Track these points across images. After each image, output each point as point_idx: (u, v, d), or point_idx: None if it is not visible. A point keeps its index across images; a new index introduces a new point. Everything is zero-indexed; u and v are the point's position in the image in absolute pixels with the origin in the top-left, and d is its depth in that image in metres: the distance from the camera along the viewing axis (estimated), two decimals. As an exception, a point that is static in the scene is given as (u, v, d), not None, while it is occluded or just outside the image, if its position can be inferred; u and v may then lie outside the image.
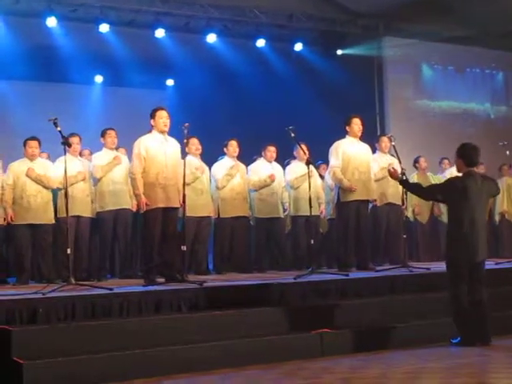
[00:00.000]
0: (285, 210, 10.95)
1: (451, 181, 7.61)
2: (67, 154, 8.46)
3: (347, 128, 9.91)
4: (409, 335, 7.54)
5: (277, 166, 10.85)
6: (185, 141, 8.33)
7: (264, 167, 10.71)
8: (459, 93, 15.07)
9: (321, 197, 10.97)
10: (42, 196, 9.17)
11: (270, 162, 10.76)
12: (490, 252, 11.58)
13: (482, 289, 7.35)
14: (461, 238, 7.26)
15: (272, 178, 10.48)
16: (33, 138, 9.31)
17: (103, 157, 9.70)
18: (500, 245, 12.47)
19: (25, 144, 9.28)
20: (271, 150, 10.75)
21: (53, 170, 9.33)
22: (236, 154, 10.57)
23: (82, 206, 9.43)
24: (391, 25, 14.14)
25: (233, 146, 10.54)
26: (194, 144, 10.16)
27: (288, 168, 11.03)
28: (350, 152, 9.79)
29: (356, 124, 9.90)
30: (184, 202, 8.32)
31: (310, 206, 9.20)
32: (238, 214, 10.37)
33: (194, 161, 10.03)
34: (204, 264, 10.17)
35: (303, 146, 10.17)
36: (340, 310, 7.67)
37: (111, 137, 9.75)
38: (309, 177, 9.16)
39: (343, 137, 9.97)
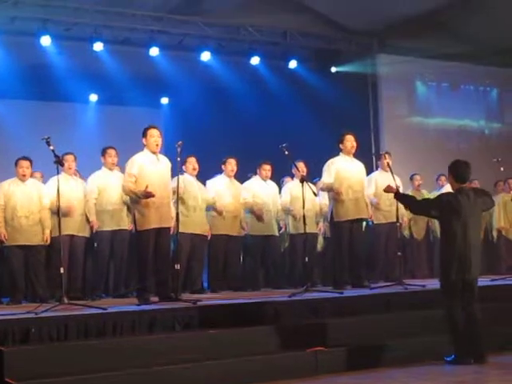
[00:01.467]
0: (280, 229, 10.92)
1: (442, 196, 7.61)
2: (62, 172, 8.49)
3: (340, 145, 9.92)
4: (404, 353, 7.50)
5: (272, 184, 10.84)
6: (178, 159, 8.30)
7: (259, 185, 10.70)
8: (454, 109, 15.09)
9: (318, 215, 10.96)
10: (33, 217, 9.12)
11: (265, 180, 10.75)
12: (488, 268, 11.71)
13: (475, 306, 7.33)
14: (453, 254, 7.25)
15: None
16: (24, 158, 9.26)
17: (101, 176, 9.69)
18: (498, 261, 12.45)
19: (16, 164, 9.23)
20: (266, 169, 10.74)
21: (46, 190, 9.28)
22: (233, 173, 10.54)
23: (76, 224, 9.40)
24: (385, 42, 14.18)
25: (231, 165, 10.51)
26: (191, 163, 10.16)
27: (284, 188, 11.02)
28: (344, 170, 9.80)
29: (349, 141, 9.91)
30: (177, 219, 8.31)
31: (305, 224, 9.18)
32: (229, 232, 10.33)
33: (189, 178, 10.01)
34: (198, 283, 10.14)
35: (299, 164, 10.20)
36: (334, 328, 7.64)
37: (111, 156, 9.73)
38: (303, 194, 9.14)
39: (337, 154, 9.97)
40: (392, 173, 9.82)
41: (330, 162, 9.89)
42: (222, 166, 10.57)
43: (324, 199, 10.59)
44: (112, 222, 9.61)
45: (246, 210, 10.59)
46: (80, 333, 6.75)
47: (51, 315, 6.94)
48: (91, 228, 9.53)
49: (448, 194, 7.59)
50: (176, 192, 8.48)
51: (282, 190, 11.03)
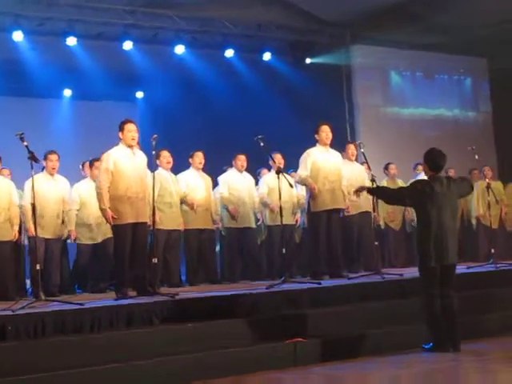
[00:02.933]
0: (258, 220, 10.93)
1: (416, 184, 7.65)
2: (44, 171, 8.47)
3: (316, 136, 9.93)
4: (382, 342, 7.54)
5: (247, 176, 10.83)
6: (153, 153, 8.29)
7: (235, 177, 10.69)
8: (428, 99, 15.16)
9: (296, 206, 10.97)
10: (4, 214, 9.02)
11: (241, 171, 10.74)
12: (467, 256, 11.79)
13: (453, 294, 7.38)
14: (429, 241, 7.29)
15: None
16: None
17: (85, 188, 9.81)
18: (476, 249, 12.53)
19: None
20: (241, 159, 10.73)
21: (15, 188, 9.20)
22: (201, 166, 10.51)
23: (52, 228, 9.41)
24: (359, 33, 14.21)
25: (198, 157, 10.48)
26: (165, 157, 10.10)
27: (261, 180, 11.02)
28: (320, 161, 9.80)
29: (324, 131, 9.91)
30: (154, 214, 8.30)
31: (281, 215, 9.17)
32: (201, 226, 10.31)
33: (165, 174, 9.98)
34: (176, 276, 10.11)
35: (276, 156, 10.21)
36: (313, 319, 7.65)
37: (97, 168, 9.69)
38: (279, 186, 9.14)
39: (313, 145, 9.98)
40: (367, 161, 9.87)
41: (306, 153, 9.89)
42: (190, 160, 10.52)
43: (302, 190, 10.60)
44: (92, 235, 9.72)
45: (222, 205, 10.58)
46: (57, 329, 6.70)
47: (28, 312, 6.89)
48: (69, 236, 9.57)
49: (421, 181, 7.66)
50: (152, 187, 8.44)
51: (259, 182, 11.03)
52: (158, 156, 9.89)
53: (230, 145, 13.51)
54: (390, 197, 7.82)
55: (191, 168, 10.50)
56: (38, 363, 6.24)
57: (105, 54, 13.04)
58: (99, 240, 9.73)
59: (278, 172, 9.17)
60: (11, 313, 6.82)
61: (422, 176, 11.26)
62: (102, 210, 8.22)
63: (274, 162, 9.93)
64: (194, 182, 10.37)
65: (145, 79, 14.73)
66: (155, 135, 8.23)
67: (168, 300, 7.56)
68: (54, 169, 9.52)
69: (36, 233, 8.09)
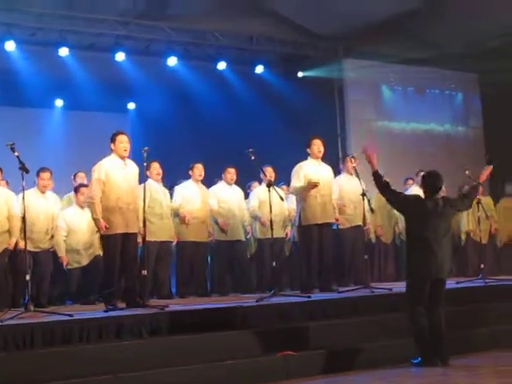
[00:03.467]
0: (247, 233, 10.91)
1: (411, 196, 7.79)
2: (35, 187, 8.70)
3: (308, 150, 9.95)
4: (372, 356, 7.54)
5: (237, 189, 10.83)
6: (145, 164, 8.29)
7: (224, 190, 10.68)
8: (419, 114, 15.18)
9: (286, 219, 10.97)
10: (1, 226, 8.95)
11: (230, 184, 10.74)
12: (456, 271, 11.81)
13: (441, 309, 7.38)
14: (417, 255, 7.32)
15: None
16: None
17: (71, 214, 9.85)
18: (465, 264, 12.54)
19: None
20: (231, 172, 10.73)
21: (14, 199, 9.12)
22: (201, 178, 10.52)
23: (40, 243, 9.42)
24: (351, 47, 14.24)
25: (198, 169, 10.49)
26: (155, 168, 10.08)
27: (252, 193, 11.01)
28: (312, 174, 9.80)
29: (316, 145, 9.93)
30: (144, 225, 8.29)
31: (272, 228, 9.17)
32: (196, 239, 10.30)
33: (155, 185, 9.97)
34: (166, 288, 10.09)
35: (267, 169, 10.23)
36: (303, 332, 7.66)
37: (83, 194, 9.71)
38: (269, 199, 9.14)
39: (305, 158, 9.99)
40: (358, 176, 9.88)
41: (298, 166, 9.91)
42: (190, 172, 10.53)
43: (292, 204, 10.61)
44: (79, 259, 9.71)
45: (212, 218, 10.57)
46: (46, 340, 6.67)
47: (17, 323, 6.86)
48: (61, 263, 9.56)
49: (417, 196, 7.65)
50: (143, 199, 8.43)
51: (250, 195, 11.03)
52: (148, 167, 9.86)
53: (221, 157, 13.50)
54: (387, 191, 7.69)
55: (190, 180, 10.49)
56: (26, 374, 6.20)
57: (97, 65, 13.04)
58: (86, 263, 9.73)
59: (269, 185, 9.19)
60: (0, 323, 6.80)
61: (412, 190, 11.33)
62: (95, 220, 8.21)
63: (265, 175, 9.93)
64: (191, 194, 10.37)
65: (137, 90, 14.73)
66: (146, 147, 8.23)
67: (157, 312, 7.54)
68: (45, 187, 9.52)
69: (26, 245, 8.02)
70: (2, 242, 8.95)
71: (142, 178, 8.62)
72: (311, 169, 9.84)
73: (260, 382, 6.87)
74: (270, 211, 9.11)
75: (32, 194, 9.30)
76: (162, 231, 9.89)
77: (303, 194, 9.74)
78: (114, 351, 6.74)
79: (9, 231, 8.99)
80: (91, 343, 6.84)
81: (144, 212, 8.28)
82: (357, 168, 10.04)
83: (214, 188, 10.80)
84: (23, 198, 7.89)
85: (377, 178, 7.75)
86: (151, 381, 6.50)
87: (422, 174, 11.80)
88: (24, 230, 7.89)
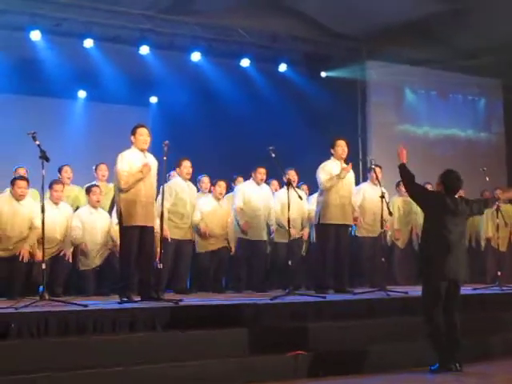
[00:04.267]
0: (271, 233, 10.84)
1: (433, 193, 7.63)
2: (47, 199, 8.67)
3: (332, 150, 9.91)
4: (385, 359, 7.52)
5: (265, 188, 10.81)
6: (164, 158, 8.28)
7: (252, 189, 10.65)
8: (442, 118, 15.12)
9: (305, 220, 10.96)
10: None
11: (259, 184, 10.71)
12: (474, 277, 11.75)
13: (456, 313, 7.34)
14: (434, 255, 7.27)
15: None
16: (22, 178, 9.23)
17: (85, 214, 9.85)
18: (483, 271, 12.47)
19: (12, 183, 9.15)
20: (261, 173, 10.67)
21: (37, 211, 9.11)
22: (222, 196, 10.57)
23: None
24: (375, 48, 14.18)
25: (220, 187, 10.52)
26: (186, 167, 10.10)
27: (274, 195, 10.96)
28: (332, 174, 9.77)
29: (340, 146, 9.90)
30: (161, 219, 8.28)
31: (289, 227, 9.13)
32: (216, 248, 10.41)
33: (182, 184, 10.01)
34: (183, 282, 10.08)
35: (290, 172, 10.29)
36: (315, 333, 7.63)
37: (95, 194, 9.82)
38: (288, 197, 9.12)
39: (326, 158, 9.95)
40: (380, 184, 9.88)
41: (322, 165, 9.88)
42: (212, 188, 10.60)
43: (312, 205, 10.57)
44: (95, 260, 9.71)
45: (235, 217, 10.60)
46: (60, 329, 6.70)
47: (31, 311, 6.89)
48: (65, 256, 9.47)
49: (438, 193, 7.53)
50: (162, 192, 8.43)
51: (234, 192, 10.98)
52: (179, 165, 9.92)
53: (241, 154, 13.55)
54: (412, 185, 7.64)
55: (211, 196, 10.57)
56: (40, 362, 6.23)
57: (121, 58, 13.06)
58: (99, 263, 9.73)
59: (288, 184, 9.17)
60: (14, 310, 6.82)
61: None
62: (140, 172, 8.25)
63: (285, 173, 9.89)
64: (209, 208, 10.44)
65: (159, 84, 14.74)
66: (166, 141, 8.25)
67: (172, 306, 7.55)
68: (57, 199, 9.52)
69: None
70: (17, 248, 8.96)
71: (161, 171, 8.59)
72: (334, 169, 9.81)
73: (269, 380, 6.86)
74: (288, 210, 9.10)
75: (46, 205, 9.23)
76: (181, 231, 9.95)
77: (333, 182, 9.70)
78: (126, 343, 6.75)
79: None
80: (104, 334, 6.86)
81: (162, 203, 8.29)
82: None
83: (241, 186, 10.78)
84: (42, 186, 7.85)
85: (404, 169, 7.72)
86: (162, 374, 6.51)
87: (428, 185, 11.91)
88: (42, 227, 7.85)
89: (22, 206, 9.08)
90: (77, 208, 10.30)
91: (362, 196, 11.02)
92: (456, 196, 7.53)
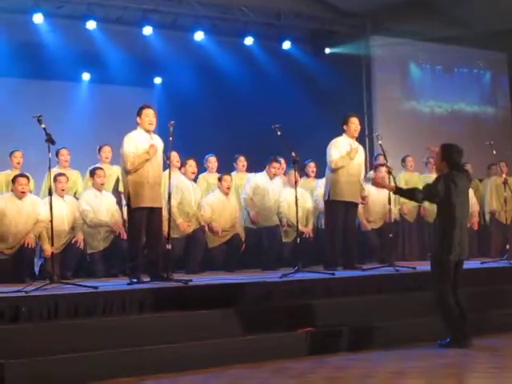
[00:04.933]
0: (283, 225, 10.80)
1: (441, 180, 7.39)
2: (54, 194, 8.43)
3: (344, 127, 9.85)
4: (394, 334, 7.54)
5: (277, 181, 10.83)
6: (170, 138, 8.25)
7: (264, 182, 10.66)
8: (447, 93, 15.07)
9: (310, 214, 11.00)
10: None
11: (272, 178, 10.70)
12: (480, 251, 11.77)
13: (459, 289, 7.35)
14: (453, 236, 7.24)
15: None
16: (22, 175, 9.23)
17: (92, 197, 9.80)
18: (488, 245, 12.46)
19: (14, 181, 9.17)
20: (275, 167, 10.69)
21: (40, 205, 9.15)
22: (229, 190, 10.54)
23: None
24: (379, 24, 14.12)
25: (226, 182, 10.47)
26: (191, 166, 10.22)
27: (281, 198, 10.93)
28: (344, 152, 9.74)
29: (354, 123, 9.86)
30: (169, 200, 8.27)
31: (296, 206, 9.10)
32: (227, 239, 10.41)
33: (187, 184, 10.10)
34: (195, 262, 10.08)
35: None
36: (326, 309, 7.68)
37: (100, 177, 9.82)
38: (295, 177, 9.15)
39: (332, 135, 9.91)
40: (385, 155, 9.85)
41: (334, 141, 9.81)
42: (218, 183, 10.56)
43: (321, 189, 10.58)
44: (103, 242, 9.66)
45: (245, 206, 10.67)
46: (70, 312, 6.72)
47: (41, 294, 6.91)
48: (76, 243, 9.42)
49: (446, 176, 7.42)
50: (169, 174, 8.39)
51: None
52: (184, 164, 9.97)
53: (247, 133, 13.53)
54: (419, 196, 7.48)
55: (218, 191, 10.51)
56: (51, 345, 6.24)
57: (124, 39, 13.01)
58: (106, 245, 9.68)
59: (295, 162, 9.16)
60: (24, 294, 6.84)
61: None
62: (147, 153, 8.24)
63: (292, 151, 9.82)
64: (219, 206, 10.45)
65: (163, 65, 14.69)
66: (172, 121, 8.23)
67: (181, 286, 7.57)
68: (63, 191, 9.51)
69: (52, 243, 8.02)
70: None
71: (167, 150, 8.50)
72: (345, 147, 9.76)
73: (281, 357, 6.88)
74: (296, 189, 9.12)
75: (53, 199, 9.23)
76: (189, 227, 10.06)
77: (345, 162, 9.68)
78: (136, 324, 6.78)
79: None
80: (114, 316, 6.88)
81: (169, 187, 8.29)
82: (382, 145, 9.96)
83: (253, 178, 10.76)
84: (51, 205, 7.76)
85: (401, 191, 7.76)
86: (174, 354, 6.53)
87: (431, 160, 11.88)
88: (50, 202, 7.84)
89: (25, 203, 9.10)
90: (75, 193, 10.34)
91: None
92: (463, 171, 7.50)
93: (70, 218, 9.47)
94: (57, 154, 10.31)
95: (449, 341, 7.27)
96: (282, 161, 10.99)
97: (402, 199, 11.58)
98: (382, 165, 10.58)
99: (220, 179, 10.52)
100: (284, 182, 11.07)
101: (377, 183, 8.21)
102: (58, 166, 10.31)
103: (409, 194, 7.75)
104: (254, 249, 10.61)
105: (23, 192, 9.07)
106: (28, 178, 9.31)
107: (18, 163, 10.17)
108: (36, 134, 7.95)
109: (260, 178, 10.73)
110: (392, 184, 7.76)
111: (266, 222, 10.60)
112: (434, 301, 7.34)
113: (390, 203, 9.88)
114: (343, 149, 9.74)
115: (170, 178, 8.26)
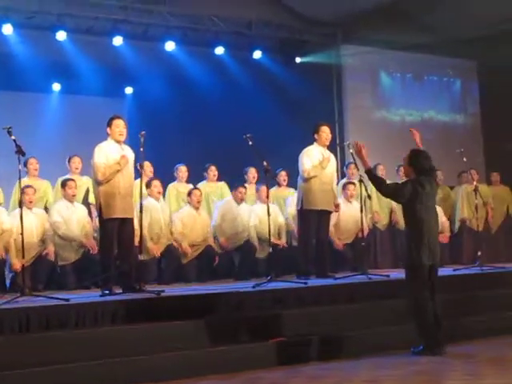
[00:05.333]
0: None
1: (408, 182, 7.47)
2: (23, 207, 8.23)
3: (315, 136, 9.89)
4: (368, 343, 7.55)
5: (245, 207, 10.88)
6: (141, 149, 8.24)
7: (232, 208, 10.76)
8: (417, 101, 15.15)
9: (282, 229, 11.06)
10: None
11: (239, 203, 10.80)
12: (451, 259, 11.83)
13: (436, 296, 7.38)
14: (422, 240, 7.29)
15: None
16: None
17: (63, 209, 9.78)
18: (460, 252, 12.53)
19: None
20: (242, 192, 10.81)
21: (6, 217, 9.18)
22: (199, 204, 10.59)
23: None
24: (349, 33, 14.18)
25: (196, 196, 10.48)
26: (156, 186, 10.22)
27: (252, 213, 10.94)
28: (316, 161, 9.77)
29: (324, 132, 9.91)
30: (141, 210, 8.25)
31: (269, 215, 9.08)
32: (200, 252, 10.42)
33: (155, 205, 10.10)
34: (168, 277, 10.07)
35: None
36: (298, 318, 7.67)
37: (71, 188, 9.79)
38: (267, 185, 9.16)
39: (304, 144, 9.94)
40: (356, 164, 9.93)
41: (306, 149, 9.84)
42: (188, 198, 10.57)
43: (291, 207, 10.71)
44: (73, 254, 9.61)
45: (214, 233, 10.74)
46: (42, 324, 6.68)
47: (13, 307, 6.86)
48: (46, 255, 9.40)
49: (414, 180, 7.48)
50: (140, 187, 8.37)
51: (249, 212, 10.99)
52: (148, 185, 9.92)
53: (218, 143, 13.52)
54: (385, 188, 7.57)
55: (188, 206, 10.53)
56: (23, 358, 6.20)
57: (94, 49, 12.96)
58: (77, 257, 9.62)
59: (266, 171, 9.15)
60: (-4, 307, 6.79)
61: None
62: (118, 164, 8.21)
63: (263, 161, 9.82)
64: (189, 218, 10.48)
65: (134, 75, 14.63)
66: (143, 132, 8.23)
67: (153, 297, 7.54)
68: (30, 203, 9.46)
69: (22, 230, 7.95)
70: None
71: (139, 160, 8.48)
72: (317, 155, 9.80)
73: (252, 368, 6.87)
74: (267, 197, 9.16)
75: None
76: (161, 246, 10.09)
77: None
78: (109, 336, 6.74)
79: None
80: (86, 328, 6.84)
81: (141, 196, 8.27)
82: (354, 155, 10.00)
83: (221, 204, 10.87)
84: (21, 217, 7.73)
85: (370, 174, 7.71)
86: (145, 366, 6.50)
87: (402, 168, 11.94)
88: (21, 215, 7.79)
89: None
90: (46, 203, 10.28)
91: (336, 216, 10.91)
92: (431, 178, 7.56)
93: (40, 230, 9.43)
94: (25, 164, 10.20)
95: (422, 348, 7.29)
96: (247, 186, 11.09)
97: (374, 207, 11.64)
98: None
99: (190, 194, 10.52)
100: (255, 198, 11.15)
101: (358, 150, 7.91)
102: (28, 176, 10.22)
103: (377, 181, 7.68)
104: (227, 261, 10.61)
105: None
106: None
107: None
108: (6, 145, 7.90)
109: (227, 205, 10.78)
110: (369, 164, 7.74)
111: (236, 245, 10.66)
112: (409, 308, 7.36)
113: (361, 211, 9.88)
114: (315, 158, 9.78)
115: (141, 188, 8.25)
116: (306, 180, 9.72)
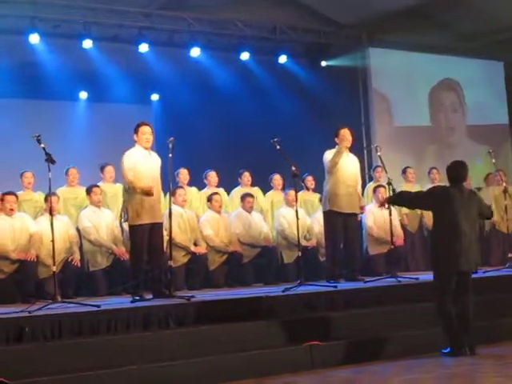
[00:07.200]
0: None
1: (434, 189, 7.59)
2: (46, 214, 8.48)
3: (336, 139, 9.85)
4: (399, 346, 7.51)
5: (257, 216, 10.94)
6: (170, 155, 8.26)
7: (245, 218, 10.80)
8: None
9: (311, 232, 11.05)
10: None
11: (249, 212, 10.83)
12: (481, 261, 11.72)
13: (467, 299, 7.36)
14: (444, 247, 7.27)
15: None
16: (10, 193, 9.25)
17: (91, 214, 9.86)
18: (488, 254, 12.43)
19: (1, 199, 9.20)
20: (250, 201, 10.82)
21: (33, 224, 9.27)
22: (221, 209, 10.64)
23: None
24: (374, 35, 14.16)
25: (181, 196, 10.39)
26: (181, 195, 10.26)
27: (277, 213, 11.03)
28: (339, 164, 9.74)
29: (344, 135, 9.85)
30: (170, 216, 8.28)
31: (297, 218, 9.11)
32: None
33: (180, 212, 10.13)
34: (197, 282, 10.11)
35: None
36: (329, 322, 7.66)
37: (96, 194, 9.90)
38: (295, 190, 9.20)
39: (331, 147, 9.92)
40: (384, 167, 9.90)
41: (328, 152, 9.81)
42: (208, 204, 10.62)
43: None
44: (104, 260, 9.69)
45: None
46: (74, 331, 6.72)
47: (45, 313, 6.90)
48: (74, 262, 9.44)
49: (440, 186, 7.57)
50: (169, 191, 8.40)
51: (276, 217, 11.08)
52: (173, 193, 9.85)
53: (246, 148, 13.54)
54: (410, 201, 7.73)
55: (209, 211, 10.59)
56: (55, 365, 6.23)
57: (120, 57, 13.03)
58: (108, 263, 9.70)
59: (294, 176, 9.14)
60: (28, 314, 6.83)
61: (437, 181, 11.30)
62: (143, 189, 8.16)
63: (291, 165, 9.81)
64: (215, 225, 10.56)
65: (160, 82, 14.69)
66: (171, 138, 8.24)
67: (184, 303, 7.55)
68: (54, 210, 9.47)
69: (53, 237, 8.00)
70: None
71: (166, 169, 8.54)
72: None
73: (285, 371, 6.88)
74: (296, 200, 9.16)
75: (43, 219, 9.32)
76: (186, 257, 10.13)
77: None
78: (141, 342, 6.76)
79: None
80: (118, 334, 6.87)
81: (170, 200, 8.32)
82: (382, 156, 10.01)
83: (234, 214, 10.89)
84: (52, 224, 7.82)
85: (393, 199, 7.84)
86: (178, 372, 6.51)
87: (433, 170, 11.94)
88: (52, 222, 7.85)
89: (15, 219, 9.17)
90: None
91: (372, 217, 11.03)
92: (464, 186, 7.53)
93: (65, 237, 9.47)
94: (66, 173, 10.33)
95: (449, 349, 7.30)
96: (255, 195, 11.12)
97: (403, 210, 11.58)
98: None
99: (210, 199, 10.54)
100: (285, 201, 11.15)
101: (381, 203, 8.33)
102: (67, 185, 10.33)
103: (402, 202, 7.79)
104: (253, 266, 10.63)
105: (12, 209, 9.13)
106: (16, 196, 9.32)
107: (30, 183, 10.18)
108: (35, 153, 7.95)
109: (240, 215, 10.80)
110: (388, 199, 7.86)
111: (256, 252, 10.66)
112: (435, 310, 7.37)
113: (390, 214, 9.83)
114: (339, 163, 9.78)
115: (170, 194, 8.29)
116: (330, 182, 9.67)
